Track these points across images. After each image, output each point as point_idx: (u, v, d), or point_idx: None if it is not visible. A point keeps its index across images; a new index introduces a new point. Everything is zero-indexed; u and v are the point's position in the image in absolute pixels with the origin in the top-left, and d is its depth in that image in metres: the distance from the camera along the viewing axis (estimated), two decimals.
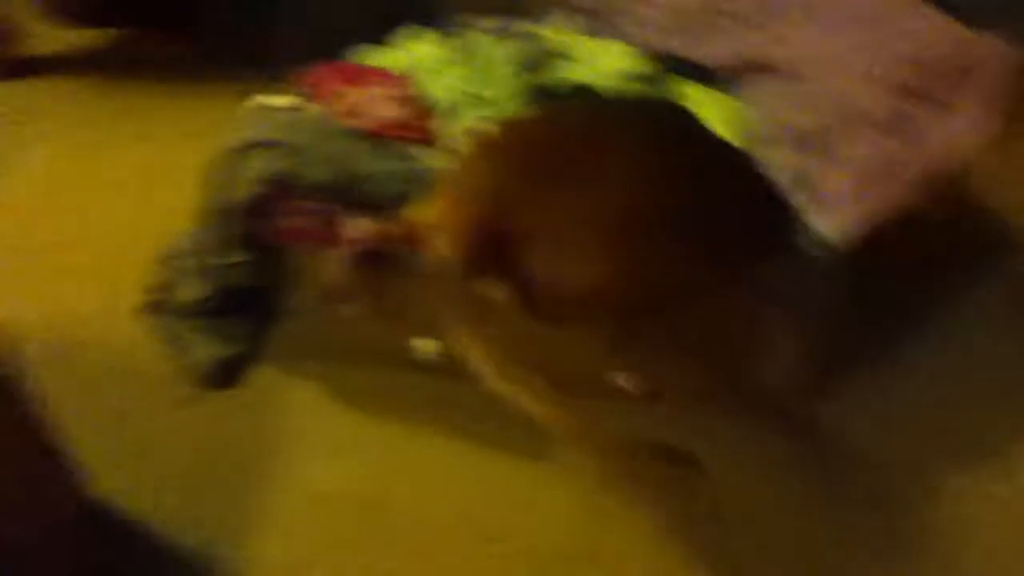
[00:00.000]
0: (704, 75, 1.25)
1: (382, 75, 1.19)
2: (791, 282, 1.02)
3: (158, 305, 1.28)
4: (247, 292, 1.19)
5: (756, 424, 1.17)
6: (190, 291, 1.24)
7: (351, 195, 1.05)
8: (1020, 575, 1.04)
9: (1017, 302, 1.33)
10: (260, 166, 1.05)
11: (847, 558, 1.05)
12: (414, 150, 1.12)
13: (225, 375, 1.22)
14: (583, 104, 1.16)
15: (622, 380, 1.13)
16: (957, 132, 1.06)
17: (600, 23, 1.31)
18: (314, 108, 1.15)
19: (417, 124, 1.13)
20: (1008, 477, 1.13)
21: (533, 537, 1.07)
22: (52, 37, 1.81)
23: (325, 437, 1.17)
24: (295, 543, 1.07)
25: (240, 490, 1.12)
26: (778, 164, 1.13)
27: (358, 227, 1.03)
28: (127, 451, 1.16)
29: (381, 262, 1.05)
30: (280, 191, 1.05)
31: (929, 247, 1.36)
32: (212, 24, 1.79)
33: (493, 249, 0.90)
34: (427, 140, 1.14)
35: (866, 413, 1.19)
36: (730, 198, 0.98)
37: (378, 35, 1.35)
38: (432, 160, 1.14)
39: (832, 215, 1.08)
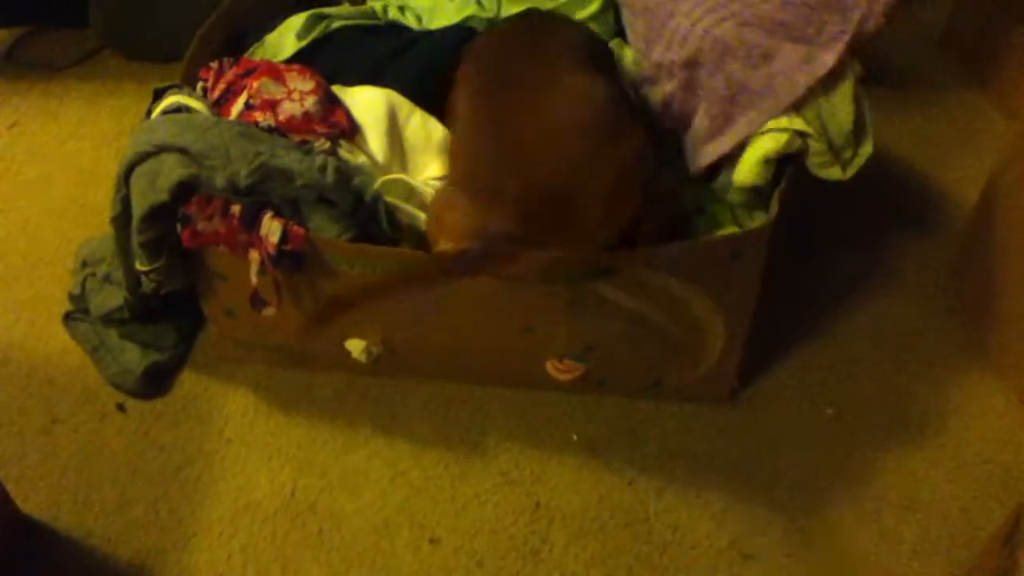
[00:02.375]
0: None
1: (284, 68, 1.17)
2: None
3: (78, 313, 1.25)
4: (170, 298, 1.16)
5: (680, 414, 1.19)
6: (108, 299, 1.20)
7: (266, 194, 1.02)
8: None
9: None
10: (167, 170, 1.01)
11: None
12: (326, 145, 1.10)
13: (152, 383, 1.19)
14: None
15: (553, 368, 1.14)
16: (809, 63, 1.09)
17: None
18: (203, 104, 1.13)
19: (326, 118, 1.11)
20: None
21: (474, 536, 1.06)
22: None
23: (258, 443, 1.15)
24: (230, 552, 1.05)
25: (172, 500, 1.09)
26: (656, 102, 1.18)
27: (273, 227, 1.01)
28: (53, 464, 1.13)
29: (300, 262, 1.03)
30: (190, 195, 1.02)
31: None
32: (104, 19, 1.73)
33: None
34: (339, 134, 1.12)
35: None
36: None
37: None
38: (350, 154, 1.12)
39: (696, 151, 1.14)
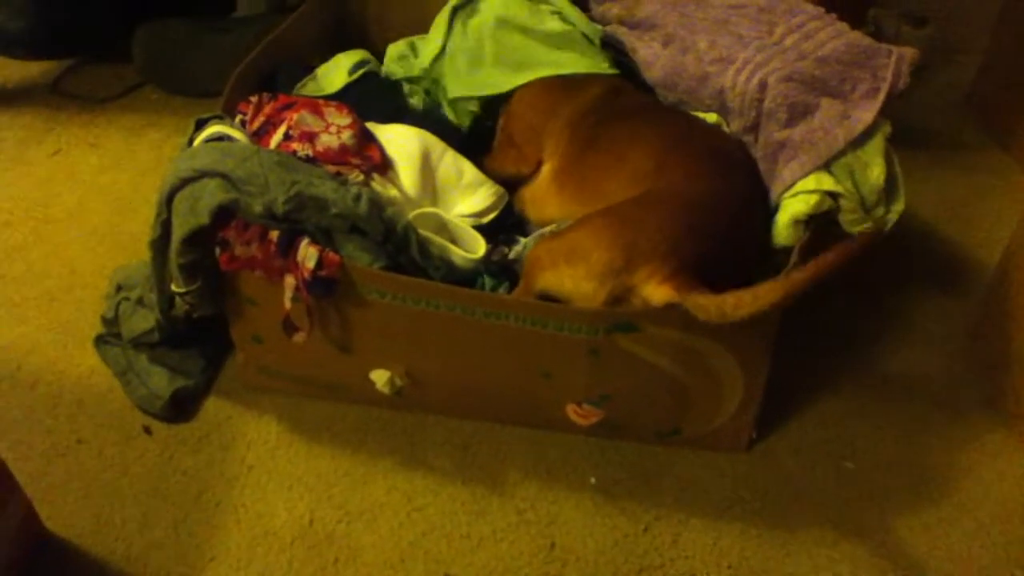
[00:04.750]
0: None
1: (323, 103, 1.21)
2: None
3: (109, 336, 1.27)
4: (199, 324, 1.18)
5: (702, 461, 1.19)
6: (139, 322, 1.23)
7: (301, 221, 1.05)
8: None
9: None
10: (208, 194, 1.04)
11: None
12: (359, 177, 1.13)
13: (178, 408, 1.21)
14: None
15: (573, 413, 1.15)
16: (846, 119, 1.12)
17: None
18: (243, 134, 1.17)
19: (361, 152, 1.14)
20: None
21: (489, 574, 1.06)
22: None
23: (279, 471, 1.16)
24: None
25: (192, 523, 1.10)
26: None
27: (310, 252, 1.04)
28: (78, 483, 1.14)
29: (333, 289, 1.05)
30: (228, 220, 1.05)
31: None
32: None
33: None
34: (372, 167, 1.15)
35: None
36: None
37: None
38: (382, 187, 1.15)
39: None
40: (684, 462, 1.18)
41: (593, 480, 1.16)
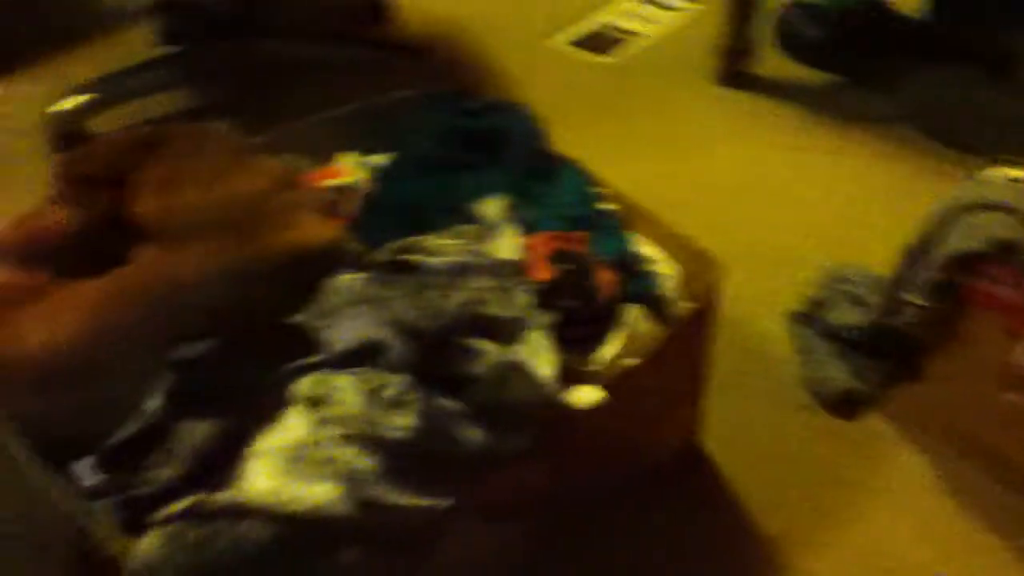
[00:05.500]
0: None
1: None
2: None
3: (805, 316, 1.36)
4: (897, 338, 1.21)
5: None
6: (845, 315, 1.29)
7: None
8: None
9: None
10: (988, 226, 1.05)
11: None
12: None
13: (844, 406, 1.26)
14: None
15: None
16: None
17: None
18: None
19: None
20: None
21: None
22: (774, 65, 1.98)
23: (909, 508, 1.16)
24: None
25: (818, 498, 1.17)
26: None
27: None
28: (737, 416, 1.26)
29: None
30: (997, 255, 1.05)
31: None
32: None
33: None
34: None
35: None
36: None
37: None
38: None
39: None
40: None
41: None
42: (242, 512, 0.82)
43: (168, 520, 0.82)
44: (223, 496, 0.82)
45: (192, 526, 0.82)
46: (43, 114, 1.79)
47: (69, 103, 1.79)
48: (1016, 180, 1.13)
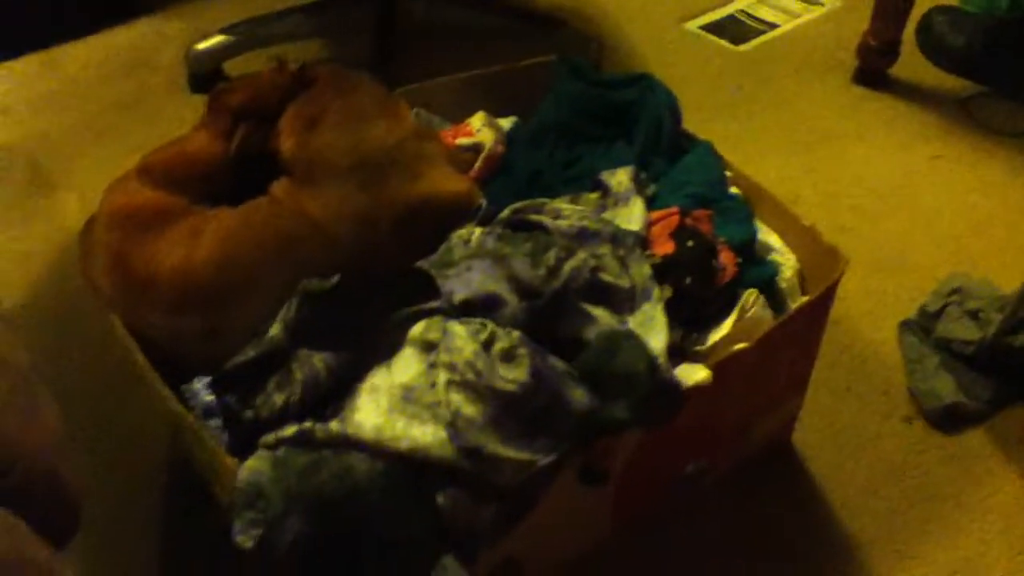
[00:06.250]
0: None
1: None
2: None
3: (918, 326, 1.33)
4: (1013, 357, 1.17)
5: None
6: (959, 330, 1.26)
7: None
8: None
9: None
10: None
11: None
12: None
13: (950, 419, 1.23)
14: None
15: None
16: None
17: None
18: None
19: None
20: None
21: None
22: (915, 69, 1.92)
23: (1002, 531, 1.13)
24: None
25: (907, 515, 1.15)
26: None
27: None
28: (835, 421, 1.25)
29: None
30: None
31: None
32: None
33: None
34: None
35: None
36: None
37: None
38: None
39: None
40: None
41: None
42: (349, 444, 0.85)
43: (277, 444, 0.87)
44: (332, 426, 0.86)
45: (300, 452, 0.86)
46: (185, 53, 1.87)
47: (210, 43, 1.86)
48: None
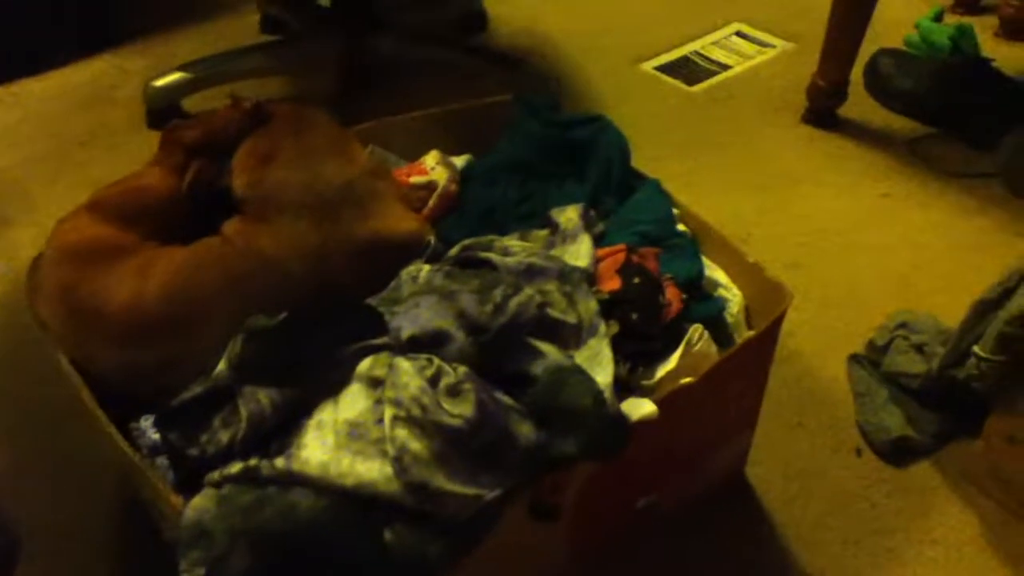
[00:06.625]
0: None
1: None
2: None
3: (867, 359, 1.35)
4: (958, 391, 1.20)
5: None
6: (906, 363, 1.28)
7: None
8: None
9: None
10: None
11: None
12: None
13: (897, 453, 1.24)
14: None
15: None
16: None
17: None
18: None
19: None
20: None
21: None
22: (864, 110, 1.97)
23: (949, 562, 1.14)
24: None
25: (855, 545, 1.16)
26: None
27: None
28: (772, 452, 1.26)
29: None
30: None
31: None
32: None
33: None
34: None
35: None
36: None
37: None
38: None
39: None
40: None
41: None
42: (294, 481, 0.85)
43: (223, 481, 0.86)
44: (278, 463, 0.86)
45: (244, 490, 0.85)
46: (144, 88, 1.88)
47: (168, 79, 1.87)
48: None
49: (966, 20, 2.20)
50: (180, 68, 1.88)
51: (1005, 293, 1.10)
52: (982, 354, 1.10)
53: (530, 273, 0.97)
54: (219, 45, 2.02)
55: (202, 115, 1.13)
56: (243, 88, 1.87)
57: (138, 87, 1.92)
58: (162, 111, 1.86)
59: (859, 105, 1.96)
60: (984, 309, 1.12)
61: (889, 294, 1.51)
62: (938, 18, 2.21)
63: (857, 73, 1.94)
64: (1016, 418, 1.14)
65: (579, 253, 1.03)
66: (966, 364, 1.15)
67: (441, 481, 0.83)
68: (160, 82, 1.87)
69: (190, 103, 1.88)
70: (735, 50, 2.19)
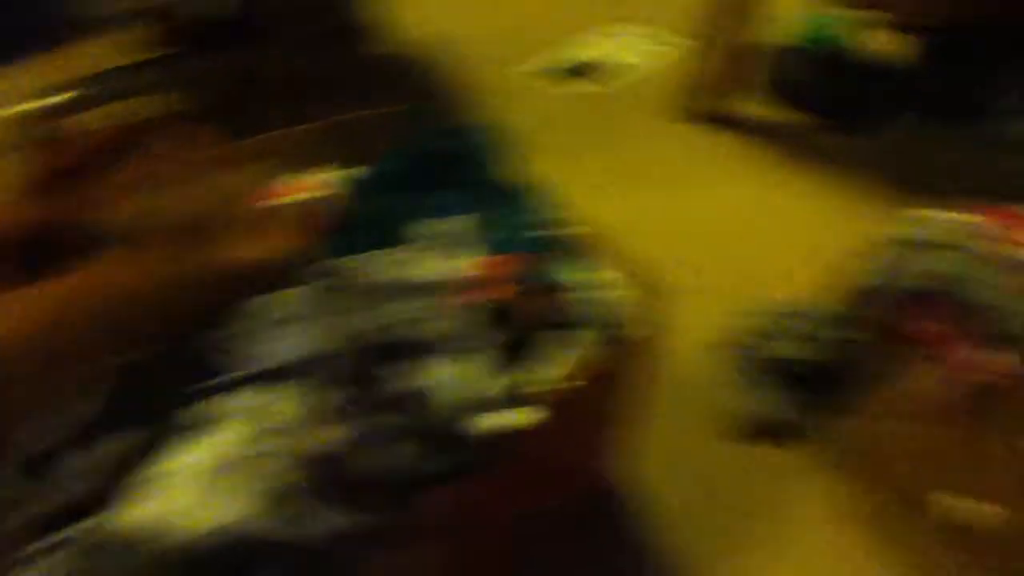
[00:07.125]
0: None
1: None
2: None
3: (745, 348, 1.39)
4: (829, 373, 1.24)
5: None
6: (782, 349, 1.32)
7: (991, 327, 1.04)
8: None
9: None
10: (921, 265, 1.08)
11: None
12: None
13: (767, 436, 1.30)
14: None
15: None
16: None
17: None
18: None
19: None
20: None
21: None
22: (758, 106, 2.02)
23: (820, 539, 1.19)
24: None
25: (730, 529, 1.21)
26: None
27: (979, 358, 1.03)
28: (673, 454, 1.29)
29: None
30: (928, 293, 1.08)
31: None
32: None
33: None
34: None
35: None
36: None
37: None
38: None
39: None
40: None
41: None
42: (157, 531, 0.82)
43: (52, 548, 0.82)
44: (134, 514, 0.83)
45: (74, 557, 0.82)
46: (21, 109, 1.81)
47: (47, 100, 1.80)
48: (962, 221, 1.16)
49: (855, 13, 2.26)
50: (58, 87, 1.82)
51: (874, 276, 1.13)
52: (855, 338, 1.14)
53: (398, 291, 0.96)
54: (106, 63, 1.96)
55: (70, 138, 1.09)
56: (127, 106, 1.84)
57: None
58: (39, 133, 1.80)
59: (750, 100, 2.00)
60: (856, 293, 1.16)
61: (773, 285, 1.55)
62: (829, 12, 2.26)
63: (749, 69, 1.98)
64: (884, 398, 1.18)
65: (460, 264, 1.02)
66: (840, 348, 1.18)
67: (315, 510, 0.82)
68: (37, 103, 1.81)
69: (72, 123, 1.82)
70: (630, 49, 2.22)
